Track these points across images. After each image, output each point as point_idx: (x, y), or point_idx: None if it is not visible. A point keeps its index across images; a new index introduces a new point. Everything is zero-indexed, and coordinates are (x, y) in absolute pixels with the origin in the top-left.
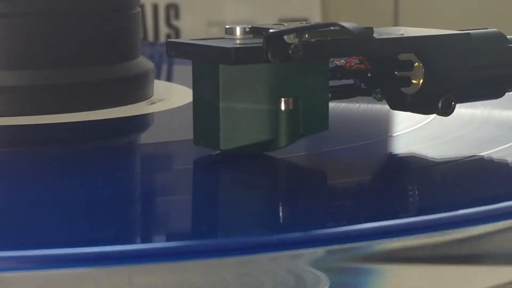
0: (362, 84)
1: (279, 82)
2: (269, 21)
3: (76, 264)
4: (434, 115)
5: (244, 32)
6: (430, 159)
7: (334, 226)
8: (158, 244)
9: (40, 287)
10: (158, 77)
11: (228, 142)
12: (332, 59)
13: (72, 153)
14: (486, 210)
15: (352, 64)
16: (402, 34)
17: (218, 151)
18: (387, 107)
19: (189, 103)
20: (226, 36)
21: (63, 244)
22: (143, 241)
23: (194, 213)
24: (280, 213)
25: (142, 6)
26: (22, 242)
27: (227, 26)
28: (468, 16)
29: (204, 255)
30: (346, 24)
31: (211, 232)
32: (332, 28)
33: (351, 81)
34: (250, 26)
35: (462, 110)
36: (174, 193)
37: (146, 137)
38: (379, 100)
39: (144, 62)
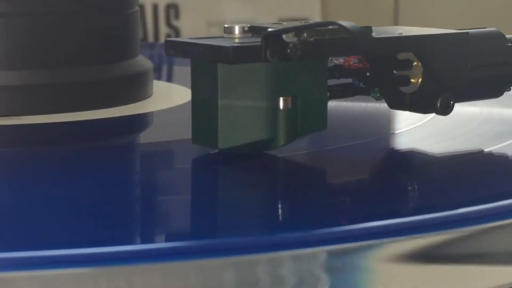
0: (361, 83)
1: (277, 81)
2: (269, 21)
3: (75, 264)
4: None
5: (242, 31)
6: (431, 156)
7: (334, 226)
8: (158, 244)
9: (40, 287)
10: (158, 77)
11: (226, 141)
12: (330, 58)
13: (72, 153)
14: (487, 208)
15: (350, 63)
16: (401, 34)
17: (217, 150)
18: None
19: (187, 102)
20: (225, 35)
21: (62, 244)
22: (142, 242)
23: (193, 213)
24: (280, 213)
25: (142, 6)
26: (22, 242)
27: (225, 25)
28: (467, 16)
29: (203, 255)
30: (344, 23)
31: (210, 232)
32: (330, 27)
33: (349, 80)
34: (248, 25)
35: (463, 107)
36: (173, 193)
37: (145, 137)
38: (377, 99)
39: (143, 61)
